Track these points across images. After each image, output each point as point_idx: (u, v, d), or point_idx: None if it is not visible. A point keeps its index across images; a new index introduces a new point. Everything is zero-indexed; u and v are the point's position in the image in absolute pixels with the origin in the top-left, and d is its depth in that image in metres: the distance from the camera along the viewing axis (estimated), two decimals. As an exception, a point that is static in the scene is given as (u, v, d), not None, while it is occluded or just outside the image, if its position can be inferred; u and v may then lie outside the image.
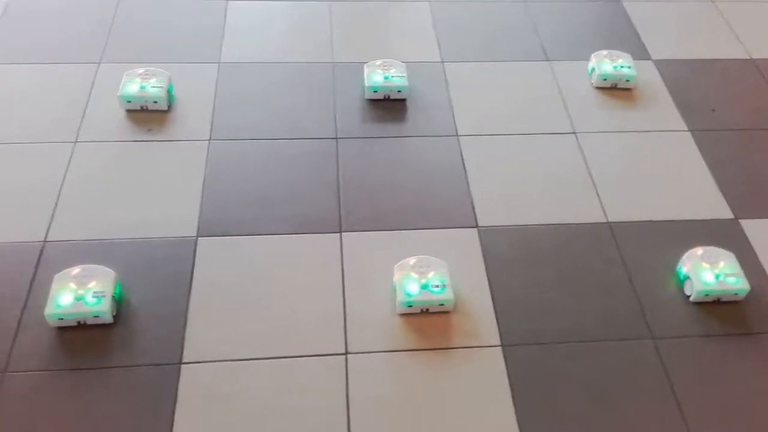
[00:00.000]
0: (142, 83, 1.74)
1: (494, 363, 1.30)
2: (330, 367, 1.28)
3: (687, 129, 1.80)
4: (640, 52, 2.00)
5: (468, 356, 1.31)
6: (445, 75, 1.91)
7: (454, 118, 1.79)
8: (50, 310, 1.28)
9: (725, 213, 1.59)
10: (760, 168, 1.71)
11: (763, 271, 1.47)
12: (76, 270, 1.34)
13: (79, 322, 1.30)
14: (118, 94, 1.72)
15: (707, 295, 1.39)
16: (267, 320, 1.34)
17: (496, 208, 1.57)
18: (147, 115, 1.73)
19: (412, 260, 1.41)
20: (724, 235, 1.54)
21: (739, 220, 1.58)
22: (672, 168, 1.70)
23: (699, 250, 1.45)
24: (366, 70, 1.83)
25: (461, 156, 1.69)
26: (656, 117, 1.83)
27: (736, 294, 1.40)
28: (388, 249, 1.47)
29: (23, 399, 1.21)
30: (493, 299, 1.40)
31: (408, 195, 1.60)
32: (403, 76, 1.82)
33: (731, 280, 1.39)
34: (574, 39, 2.06)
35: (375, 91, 1.81)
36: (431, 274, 1.38)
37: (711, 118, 1.83)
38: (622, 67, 1.90)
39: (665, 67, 1.98)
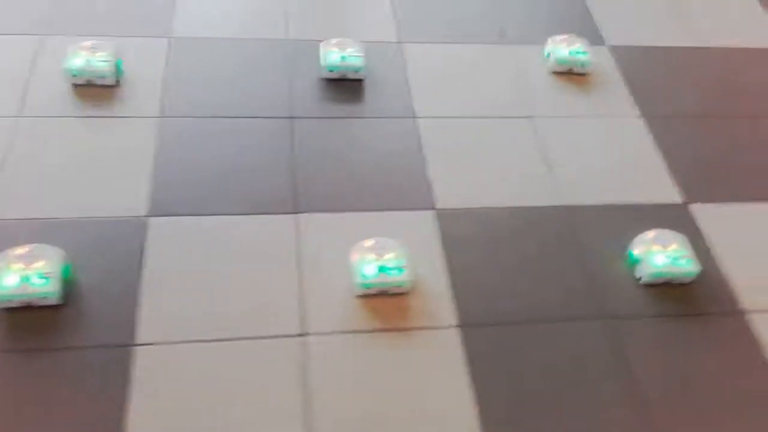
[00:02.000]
0: (88, 57, 1.67)
1: (452, 343, 1.31)
2: (287, 348, 1.27)
3: (640, 115, 1.84)
4: (595, 38, 2.03)
5: (426, 337, 1.32)
6: (403, 56, 1.90)
7: (411, 99, 1.78)
8: (-7, 292, 1.23)
9: (676, 197, 1.64)
10: (710, 153, 1.76)
11: (711, 253, 1.52)
12: (22, 249, 1.28)
13: (25, 304, 1.25)
14: (63, 67, 1.65)
15: (658, 276, 1.43)
16: (222, 301, 1.32)
17: (453, 191, 1.58)
18: (94, 90, 1.66)
19: (369, 242, 1.40)
20: (674, 218, 1.58)
21: (689, 205, 1.62)
22: (625, 153, 1.74)
23: (650, 233, 1.49)
24: (322, 49, 1.80)
25: (419, 138, 1.69)
26: (610, 102, 1.87)
27: (686, 276, 1.44)
28: (345, 230, 1.45)
29: (-35, 384, 1.16)
30: (450, 281, 1.40)
31: (365, 176, 1.58)
32: (360, 56, 1.80)
33: (682, 262, 1.43)
34: (531, 23, 2.07)
35: (331, 71, 1.78)
36: (389, 256, 1.37)
37: (664, 105, 1.87)
38: (577, 52, 1.92)
39: (620, 53, 2.01)
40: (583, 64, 1.91)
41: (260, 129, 1.65)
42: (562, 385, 1.27)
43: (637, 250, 1.46)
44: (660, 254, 1.44)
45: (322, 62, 1.77)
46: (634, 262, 1.46)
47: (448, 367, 1.28)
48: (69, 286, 1.29)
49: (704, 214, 1.60)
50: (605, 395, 1.27)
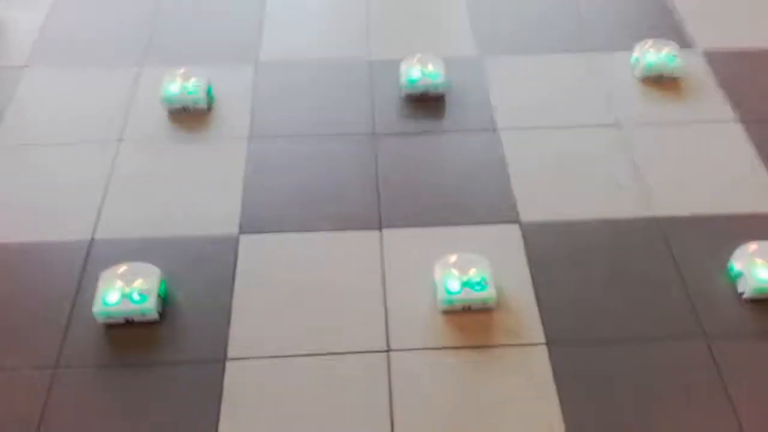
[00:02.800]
0: (182, 84, 1.76)
1: (539, 361, 1.28)
2: (372, 364, 1.28)
3: (737, 120, 1.74)
4: (685, 42, 1.94)
5: (511, 354, 1.29)
6: (483, 69, 1.89)
7: (493, 112, 1.77)
8: (98, 308, 1.31)
9: (779, 206, 1.54)
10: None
11: (821, 266, 1.41)
12: (122, 268, 1.36)
13: (126, 320, 1.32)
14: (160, 95, 1.75)
15: (762, 292, 1.34)
16: (309, 317, 1.34)
17: (538, 204, 1.55)
18: (188, 116, 1.75)
19: (453, 257, 1.39)
20: (778, 229, 1.48)
21: (794, 214, 1.52)
22: (722, 160, 1.65)
23: (752, 246, 1.40)
24: (403, 66, 1.82)
25: (502, 150, 1.67)
26: (704, 107, 1.78)
27: (792, 291, 1.35)
28: (429, 246, 1.45)
29: (73, 394, 1.23)
30: (536, 296, 1.37)
31: (448, 191, 1.58)
32: (441, 72, 1.80)
33: (787, 276, 1.34)
34: (616, 28, 2.01)
35: (413, 87, 1.79)
36: (472, 271, 1.36)
37: (763, 108, 1.76)
38: (667, 57, 1.84)
39: (712, 57, 1.91)
40: (673, 69, 1.84)
41: (344, 146, 1.68)
42: (654, 410, 1.21)
43: (738, 264, 1.38)
44: (764, 267, 1.35)
45: (404, 79, 1.79)
46: (736, 277, 1.38)
47: (535, 386, 1.24)
48: (165, 303, 1.35)
49: (813, 224, 1.49)
50: (700, 420, 1.20)
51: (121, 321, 1.32)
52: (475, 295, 1.33)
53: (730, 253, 1.41)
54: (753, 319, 1.34)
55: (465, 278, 1.35)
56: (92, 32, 2.00)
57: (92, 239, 1.47)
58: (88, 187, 1.58)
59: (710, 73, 1.87)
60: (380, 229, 1.50)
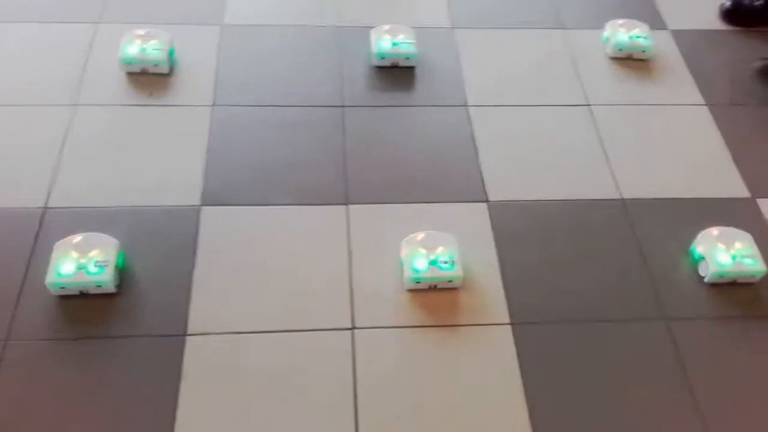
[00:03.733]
0: (142, 45, 1.68)
1: (503, 341, 1.28)
2: (337, 341, 1.26)
3: (704, 103, 1.75)
4: (656, 22, 1.94)
5: (476, 334, 1.29)
6: (456, 42, 1.86)
7: (464, 87, 1.74)
8: (51, 279, 1.25)
9: (742, 191, 1.56)
10: (779, 145, 1.67)
11: (779, 252, 1.44)
12: (77, 238, 1.31)
13: (81, 292, 1.27)
14: (118, 56, 1.67)
15: (722, 276, 1.37)
16: (273, 293, 1.32)
17: (506, 182, 1.54)
18: (148, 78, 1.68)
19: (420, 235, 1.37)
20: (740, 214, 1.50)
21: (757, 200, 1.54)
22: (688, 143, 1.66)
23: (714, 230, 1.42)
24: (373, 36, 1.77)
25: (471, 127, 1.65)
26: (673, 90, 1.79)
27: (752, 276, 1.38)
28: (396, 222, 1.43)
29: (25, 368, 1.19)
30: (502, 276, 1.37)
31: (416, 167, 1.56)
32: (412, 42, 1.76)
33: (747, 261, 1.37)
34: (588, 7, 2.00)
35: (383, 58, 1.75)
36: (440, 250, 1.35)
37: (730, 92, 1.77)
38: (638, 37, 1.84)
39: (683, 38, 1.92)
40: (643, 50, 1.83)
41: (311, 118, 1.64)
42: (615, 388, 1.23)
43: (700, 248, 1.40)
44: (725, 252, 1.38)
45: (374, 49, 1.74)
46: (698, 260, 1.40)
47: (499, 365, 1.25)
48: (123, 275, 1.31)
49: (774, 209, 1.52)
50: (658, 400, 1.22)
51: (76, 293, 1.27)
52: (442, 274, 1.32)
53: (692, 236, 1.43)
54: (713, 303, 1.36)
55: (432, 257, 1.33)
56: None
57: (46, 207, 1.41)
58: (42, 153, 1.50)
59: (679, 55, 1.87)
60: (347, 204, 1.47)
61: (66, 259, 1.27)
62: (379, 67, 1.76)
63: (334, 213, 1.45)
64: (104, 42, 1.75)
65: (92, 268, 1.26)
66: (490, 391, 1.22)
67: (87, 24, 1.80)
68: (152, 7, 1.86)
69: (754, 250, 1.39)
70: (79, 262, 1.27)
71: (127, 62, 1.67)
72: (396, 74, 1.75)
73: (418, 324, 1.30)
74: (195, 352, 1.22)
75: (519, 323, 1.30)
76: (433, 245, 1.35)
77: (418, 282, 1.32)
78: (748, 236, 1.41)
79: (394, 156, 1.57)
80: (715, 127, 1.69)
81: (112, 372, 1.19)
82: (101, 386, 1.18)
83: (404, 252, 1.35)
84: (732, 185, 1.57)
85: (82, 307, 1.27)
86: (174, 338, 1.24)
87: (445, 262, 1.33)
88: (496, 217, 1.47)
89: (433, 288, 1.34)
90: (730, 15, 1.99)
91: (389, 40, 1.75)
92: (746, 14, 1.98)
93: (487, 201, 1.50)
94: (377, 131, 1.63)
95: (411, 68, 1.76)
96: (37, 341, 1.22)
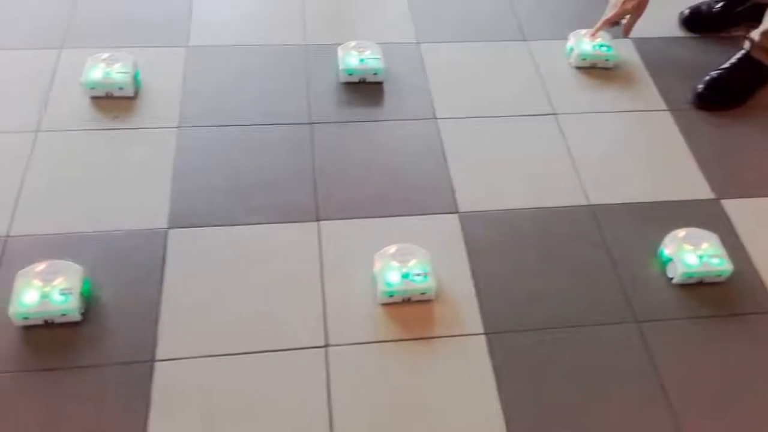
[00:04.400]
0: (106, 69, 1.67)
1: (478, 351, 1.28)
2: (310, 360, 1.24)
3: (667, 108, 1.78)
4: (618, 31, 1.96)
5: (451, 345, 1.29)
6: (422, 56, 1.87)
7: (432, 100, 1.75)
8: (14, 309, 1.22)
9: (706, 193, 1.58)
10: (742, 147, 1.70)
11: (745, 251, 1.46)
12: (41, 266, 1.28)
13: (45, 321, 1.24)
14: (81, 80, 1.65)
15: (690, 276, 1.38)
16: (244, 314, 1.30)
17: (476, 193, 1.54)
18: (112, 102, 1.66)
19: (392, 248, 1.37)
20: (705, 215, 1.52)
21: (721, 201, 1.56)
22: (653, 148, 1.69)
23: (681, 232, 1.44)
24: (340, 53, 1.78)
25: (440, 140, 1.65)
26: (636, 97, 1.81)
27: (719, 275, 1.39)
28: (367, 237, 1.43)
29: (-12, 403, 1.15)
30: (475, 286, 1.37)
31: (386, 181, 1.55)
32: (379, 58, 1.77)
33: (714, 261, 1.38)
34: (551, 18, 2.03)
35: (350, 74, 1.75)
36: (412, 263, 1.34)
37: (689, 98, 1.81)
38: (601, 46, 1.87)
39: (644, 46, 1.95)
40: (607, 59, 1.86)
41: (279, 136, 1.63)
42: (590, 392, 1.23)
43: (668, 250, 1.41)
44: (691, 253, 1.39)
45: (341, 66, 1.75)
46: (666, 262, 1.41)
47: (474, 376, 1.24)
48: (89, 302, 1.28)
49: (737, 210, 1.54)
50: (633, 402, 1.22)
51: (41, 322, 1.24)
52: (416, 287, 1.31)
53: (660, 239, 1.44)
54: (682, 303, 1.37)
55: (405, 270, 1.33)
56: (6, 10, 1.87)
57: (8, 236, 1.38)
58: (3, 180, 1.47)
59: (641, 63, 1.91)
60: (317, 221, 1.46)
61: (29, 288, 1.24)
62: (347, 83, 1.76)
63: (305, 230, 1.44)
64: (68, 67, 1.73)
65: (57, 297, 1.23)
66: (466, 402, 1.21)
67: (50, 50, 1.77)
68: (116, 31, 1.85)
69: (720, 249, 1.41)
70: (43, 290, 1.24)
71: (91, 86, 1.65)
72: (364, 90, 1.76)
73: (393, 338, 1.29)
74: (164, 378, 1.20)
75: (493, 333, 1.30)
76: (405, 258, 1.35)
77: (391, 296, 1.32)
78: (714, 236, 1.43)
79: (364, 171, 1.57)
80: (678, 132, 1.72)
81: (80, 402, 1.16)
82: (69, 417, 1.15)
83: (377, 266, 1.34)
84: (696, 187, 1.59)
85: (47, 336, 1.24)
86: (142, 364, 1.21)
87: (418, 275, 1.32)
88: (467, 227, 1.47)
89: (407, 301, 1.33)
90: (689, 22, 2.03)
91: (356, 56, 1.76)
92: (704, 21, 2.03)
93: (458, 212, 1.50)
94: (346, 147, 1.63)
95: (379, 83, 1.77)
96: (2, 374, 1.19)
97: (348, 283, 1.36)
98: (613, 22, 1.85)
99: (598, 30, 1.87)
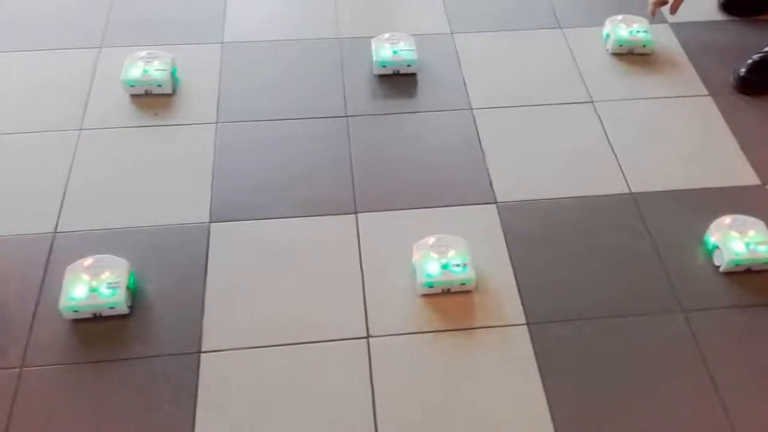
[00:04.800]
0: (145, 67, 1.69)
1: (520, 342, 1.27)
2: (352, 351, 1.25)
3: (708, 93, 1.74)
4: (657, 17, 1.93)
5: (492, 336, 1.28)
6: (456, 47, 1.86)
7: (467, 90, 1.74)
8: (64, 303, 1.25)
9: (751, 179, 1.55)
10: (788, 130, 1.66)
11: (793, 237, 1.43)
12: (88, 261, 1.31)
13: (94, 314, 1.27)
14: (120, 78, 1.68)
15: (738, 264, 1.35)
16: (286, 305, 1.31)
17: (514, 183, 1.53)
18: (152, 100, 1.69)
19: (431, 239, 1.37)
20: (751, 201, 1.49)
21: (766, 186, 1.53)
22: (694, 134, 1.65)
23: (727, 219, 1.41)
24: (374, 45, 1.78)
25: (476, 130, 1.64)
26: (676, 82, 1.78)
27: (767, 263, 1.36)
28: (406, 228, 1.43)
29: (41, 394, 1.18)
30: (515, 276, 1.36)
31: (423, 172, 1.55)
32: (412, 50, 1.76)
33: (762, 248, 1.35)
34: (586, 5, 2.00)
35: (384, 66, 1.75)
36: (451, 253, 1.34)
37: (730, 81, 1.76)
38: (638, 31, 1.84)
39: (682, 30, 1.91)
40: (644, 44, 1.83)
41: (316, 129, 1.64)
42: (636, 382, 1.22)
43: (713, 237, 1.39)
44: (738, 240, 1.36)
45: (375, 58, 1.75)
46: (712, 250, 1.39)
47: (517, 366, 1.24)
48: (135, 296, 1.31)
49: (785, 195, 1.51)
50: (680, 392, 1.20)
51: (89, 316, 1.27)
52: (455, 277, 1.31)
53: (705, 226, 1.42)
54: (729, 292, 1.34)
55: (444, 260, 1.32)
56: (46, 13, 1.91)
57: (56, 232, 1.41)
58: (49, 178, 1.51)
59: (680, 48, 1.87)
60: (355, 213, 1.47)
61: (78, 282, 1.28)
62: (381, 76, 1.76)
63: (343, 223, 1.45)
64: (107, 66, 1.76)
65: (104, 290, 1.26)
66: (509, 393, 1.20)
67: (89, 49, 1.81)
68: (152, 29, 1.88)
69: (767, 236, 1.37)
70: (91, 284, 1.27)
71: (131, 84, 1.68)
72: (398, 82, 1.76)
73: (433, 329, 1.29)
74: (210, 370, 1.22)
75: (535, 323, 1.29)
76: (444, 249, 1.35)
77: (431, 286, 1.32)
78: (760, 223, 1.40)
79: (400, 162, 1.57)
80: (720, 117, 1.68)
81: (128, 394, 1.19)
82: (118, 408, 1.17)
83: (416, 257, 1.34)
84: (741, 173, 1.56)
85: (96, 330, 1.27)
86: (189, 356, 1.23)
87: (458, 265, 1.32)
88: (505, 217, 1.46)
89: (447, 292, 1.33)
90: (728, 6, 1.98)
91: (390, 49, 1.76)
92: (744, 4, 1.98)
93: (496, 202, 1.49)
94: (382, 139, 1.63)
95: (413, 75, 1.77)
96: (53, 367, 1.22)
97: (387, 274, 1.36)
98: (663, 2, 1.81)
99: (654, 11, 1.82)
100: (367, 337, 1.27)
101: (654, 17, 1.84)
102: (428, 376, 1.22)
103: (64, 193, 1.48)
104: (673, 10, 1.82)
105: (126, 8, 1.94)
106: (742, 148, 1.61)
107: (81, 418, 1.16)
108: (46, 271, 1.34)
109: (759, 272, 1.37)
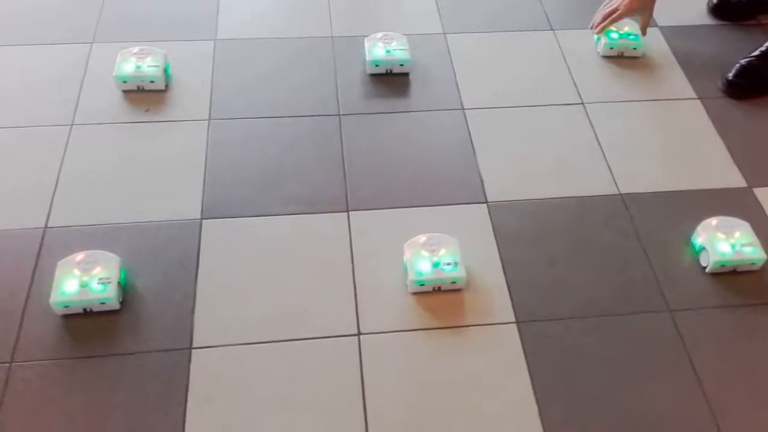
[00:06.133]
0: (137, 63, 1.69)
1: (509, 340, 1.28)
2: (343, 348, 1.26)
3: (696, 97, 1.77)
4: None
5: (482, 334, 1.29)
6: (448, 47, 1.87)
7: (459, 91, 1.75)
8: (55, 298, 1.25)
9: (738, 181, 1.57)
10: (774, 134, 1.69)
11: (779, 239, 1.45)
12: (79, 256, 1.31)
13: (85, 309, 1.27)
14: (113, 74, 1.68)
15: (723, 265, 1.37)
16: (277, 302, 1.32)
17: (505, 183, 1.54)
18: (144, 96, 1.68)
19: (422, 238, 1.38)
20: (737, 203, 1.51)
21: (753, 189, 1.55)
22: (682, 137, 1.67)
23: (713, 221, 1.43)
24: (367, 44, 1.78)
25: (468, 130, 1.66)
26: (665, 85, 1.80)
27: (753, 263, 1.38)
28: (397, 227, 1.44)
29: (31, 389, 1.18)
30: (505, 275, 1.37)
31: (415, 171, 1.56)
32: (405, 49, 1.77)
33: (747, 249, 1.37)
34: (578, 7, 2.01)
35: (377, 66, 1.76)
36: (442, 252, 1.35)
37: (719, 86, 1.79)
38: (628, 35, 1.86)
39: (672, 34, 1.93)
40: (634, 47, 1.85)
41: (308, 127, 1.64)
42: (624, 381, 1.23)
43: (700, 238, 1.41)
44: (724, 242, 1.38)
45: (368, 57, 1.75)
46: (698, 251, 1.41)
47: (506, 364, 1.25)
48: (126, 292, 1.31)
49: (771, 198, 1.53)
50: (667, 391, 1.22)
51: (80, 311, 1.27)
52: (446, 276, 1.32)
53: (692, 227, 1.44)
54: (715, 292, 1.36)
55: (435, 259, 1.34)
56: (37, 8, 1.90)
57: (46, 227, 1.41)
58: (40, 173, 1.50)
59: (669, 51, 1.89)
60: (347, 211, 1.47)
61: (69, 277, 1.27)
62: (374, 75, 1.77)
63: (335, 220, 1.45)
64: (99, 61, 1.76)
65: (95, 286, 1.26)
66: (498, 390, 1.22)
67: (81, 44, 1.81)
68: (145, 25, 1.87)
69: (753, 238, 1.40)
70: (82, 280, 1.27)
71: (123, 80, 1.68)
72: (391, 81, 1.77)
73: (424, 327, 1.30)
74: (201, 365, 1.22)
75: (524, 321, 1.30)
76: (435, 247, 1.36)
77: (422, 285, 1.33)
78: (746, 225, 1.42)
79: (392, 161, 1.58)
80: (708, 120, 1.71)
81: (119, 389, 1.19)
82: (109, 404, 1.17)
83: (407, 255, 1.35)
84: (728, 176, 1.58)
85: (87, 325, 1.27)
86: (180, 352, 1.24)
87: (448, 264, 1.33)
88: (496, 217, 1.47)
89: (437, 290, 1.34)
90: (717, 10, 2.01)
91: (383, 48, 1.77)
92: (733, 9, 2.00)
93: (486, 202, 1.50)
94: (375, 138, 1.63)
95: (405, 74, 1.78)
96: (43, 362, 1.22)
97: (379, 272, 1.37)
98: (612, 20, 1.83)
99: (602, 29, 1.84)
100: (358, 334, 1.28)
101: (599, 33, 1.84)
102: (418, 373, 1.23)
103: (56, 189, 1.48)
104: (643, 32, 1.84)
105: (119, 4, 1.93)
106: (730, 151, 1.63)
107: (71, 414, 1.16)
108: (36, 266, 1.34)
109: (744, 273, 1.39)
